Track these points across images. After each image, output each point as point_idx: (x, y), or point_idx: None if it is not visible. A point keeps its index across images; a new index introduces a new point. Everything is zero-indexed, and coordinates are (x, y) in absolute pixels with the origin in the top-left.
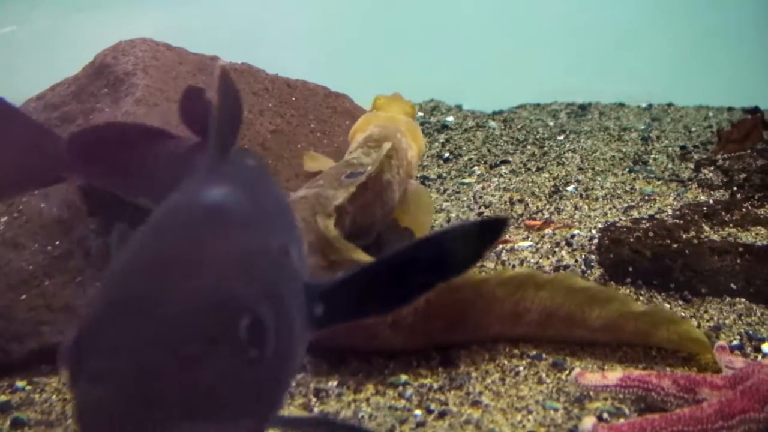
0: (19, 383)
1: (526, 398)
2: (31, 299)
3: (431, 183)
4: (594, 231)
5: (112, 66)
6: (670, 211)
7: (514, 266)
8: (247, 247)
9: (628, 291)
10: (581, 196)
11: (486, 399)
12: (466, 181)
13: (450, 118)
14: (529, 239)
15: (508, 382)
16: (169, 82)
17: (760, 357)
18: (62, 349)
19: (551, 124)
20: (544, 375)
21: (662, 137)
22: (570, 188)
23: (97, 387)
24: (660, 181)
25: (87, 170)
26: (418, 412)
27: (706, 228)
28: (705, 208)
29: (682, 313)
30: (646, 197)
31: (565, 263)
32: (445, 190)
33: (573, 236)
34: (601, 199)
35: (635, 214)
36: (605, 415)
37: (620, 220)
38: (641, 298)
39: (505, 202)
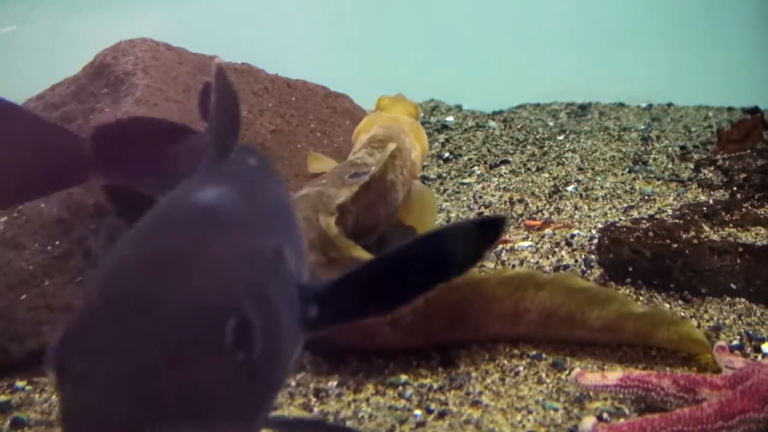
0: (19, 383)
1: (526, 398)
2: (31, 299)
3: (431, 183)
4: (594, 231)
5: (112, 66)
6: (670, 211)
7: (513, 266)
8: (237, 249)
9: (628, 291)
10: (581, 196)
11: (486, 399)
12: (466, 181)
13: (450, 118)
14: (529, 239)
15: (508, 382)
16: (169, 82)
17: (760, 357)
18: (48, 350)
19: (551, 124)
20: (544, 375)
21: (662, 137)
22: (570, 188)
23: (82, 388)
24: (660, 181)
25: (111, 169)
26: (418, 412)
27: (706, 228)
28: (705, 208)
29: (682, 313)
30: (646, 197)
31: (565, 263)
32: (444, 190)
33: (573, 236)
34: (601, 199)
35: (635, 214)
36: (605, 415)
37: (620, 220)
38: (641, 298)
39: (505, 202)
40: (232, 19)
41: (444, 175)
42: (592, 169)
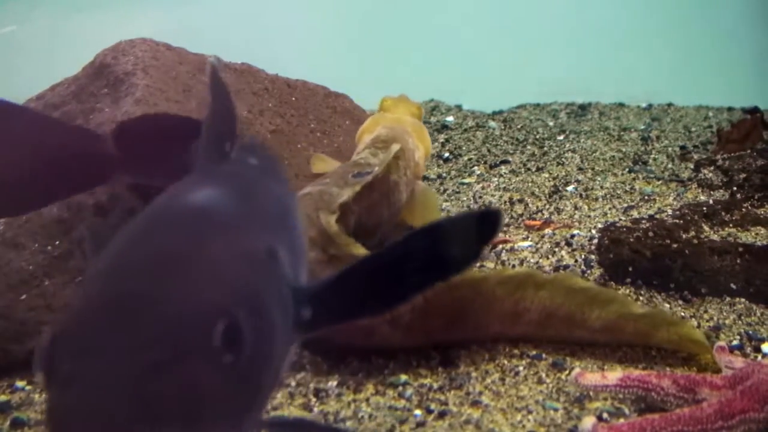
0: (19, 383)
1: (526, 398)
2: (31, 299)
3: (431, 183)
4: (594, 231)
5: (112, 66)
6: (670, 211)
7: (513, 266)
8: (227, 250)
9: (627, 291)
10: (581, 196)
11: (486, 399)
12: (466, 181)
13: (450, 118)
14: (529, 239)
15: (508, 382)
16: (169, 82)
17: (760, 357)
18: (37, 351)
19: (551, 124)
20: (544, 375)
21: (662, 137)
22: (570, 188)
23: (69, 389)
24: (660, 181)
25: (134, 167)
26: (418, 412)
27: (706, 228)
28: (705, 208)
29: (682, 313)
30: (646, 197)
31: (564, 263)
32: (445, 190)
33: (573, 236)
34: (600, 199)
35: (635, 214)
36: (605, 415)
37: (620, 220)
38: (641, 298)
39: (505, 202)
40: (232, 19)
41: (444, 175)
42: (592, 169)
